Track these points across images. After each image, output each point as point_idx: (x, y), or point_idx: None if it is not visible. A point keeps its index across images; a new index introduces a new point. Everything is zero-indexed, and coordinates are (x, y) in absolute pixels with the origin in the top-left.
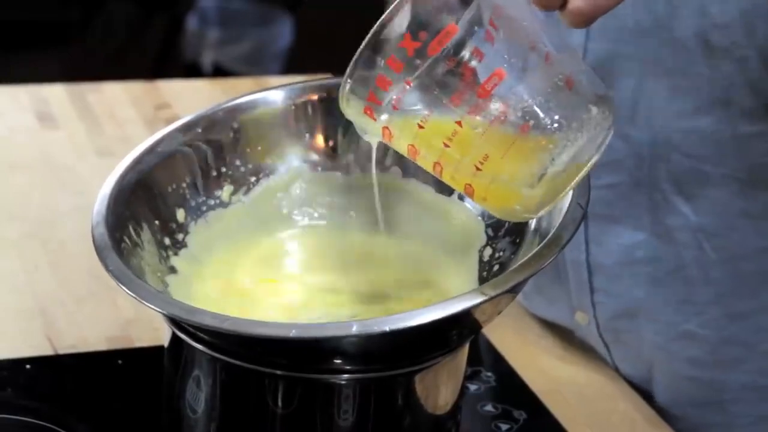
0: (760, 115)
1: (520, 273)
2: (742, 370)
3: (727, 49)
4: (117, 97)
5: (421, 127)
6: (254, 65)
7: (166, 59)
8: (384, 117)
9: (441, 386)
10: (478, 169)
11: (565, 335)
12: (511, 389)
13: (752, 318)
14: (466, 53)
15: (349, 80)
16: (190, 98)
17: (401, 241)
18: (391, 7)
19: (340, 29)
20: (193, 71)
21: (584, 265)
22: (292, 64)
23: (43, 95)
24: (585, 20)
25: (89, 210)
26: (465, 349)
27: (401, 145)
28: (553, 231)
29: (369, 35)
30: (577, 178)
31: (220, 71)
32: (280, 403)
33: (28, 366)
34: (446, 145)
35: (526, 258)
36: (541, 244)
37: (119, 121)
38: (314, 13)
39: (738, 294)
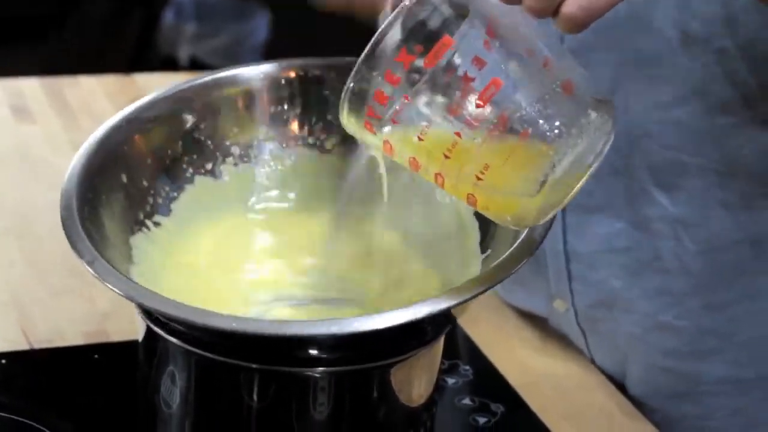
0: (738, 107)
1: (495, 276)
2: (718, 362)
3: (706, 40)
4: (93, 91)
5: (420, 139)
6: (231, 59)
7: (142, 53)
8: (384, 131)
9: (416, 379)
10: (479, 179)
11: (542, 327)
12: (489, 382)
13: (729, 309)
14: (462, 64)
15: (347, 95)
16: None
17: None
18: (386, 21)
19: (316, 23)
20: (169, 65)
21: (561, 253)
22: (269, 58)
23: (18, 89)
24: (578, 26)
25: None
26: (440, 342)
27: (403, 158)
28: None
29: (365, 50)
30: (578, 185)
31: (196, 65)
32: (255, 397)
33: (3, 361)
34: (447, 157)
35: (501, 258)
36: (516, 243)
37: (96, 115)
38: (291, 6)
39: (715, 285)
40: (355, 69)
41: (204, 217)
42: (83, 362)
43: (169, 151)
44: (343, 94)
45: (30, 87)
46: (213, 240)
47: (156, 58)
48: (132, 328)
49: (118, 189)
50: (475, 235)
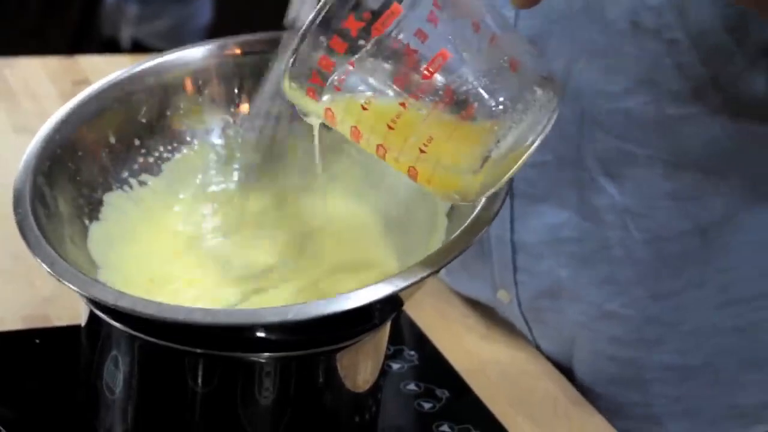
0: (687, 98)
1: (442, 257)
2: (664, 350)
3: (657, 30)
4: (34, 73)
5: (364, 108)
6: (173, 42)
7: (83, 35)
8: (327, 98)
9: (362, 364)
10: (422, 151)
11: (487, 313)
12: (434, 368)
13: (675, 298)
14: (410, 34)
15: (291, 61)
16: (109, 74)
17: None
18: None
19: (259, 5)
20: (111, 47)
21: (508, 243)
22: None
23: None
24: (531, 0)
25: (4, 189)
26: (386, 328)
27: (344, 128)
28: (476, 211)
29: (311, 16)
30: (520, 162)
31: (139, 48)
32: (199, 382)
33: None
34: (390, 128)
35: (449, 239)
36: (464, 226)
37: (37, 97)
38: None
39: (661, 274)
40: (300, 35)
41: (191, 182)
42: (23, 347)
43: (168, 111)
44: (286, 59)
45: None
46: (189, 208)
47: (97, 41)
48: (73, 313)
49: (104, 146)
50: (440, 234)
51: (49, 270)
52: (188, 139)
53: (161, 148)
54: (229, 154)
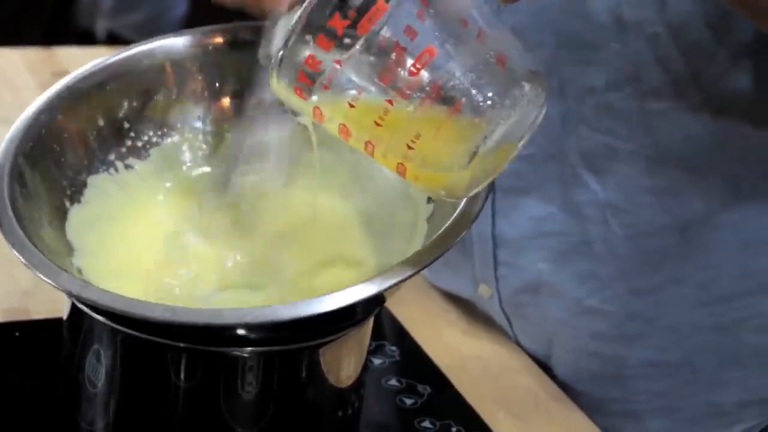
0: (669, 93)
1: (425, 257)
2: (644, 346)
3: (639, 24)
4: (13, 64)
5: (352, 106)
6: (149, 34)
7: (58, 27)
8: (315, 97)
9: (345, 360)
10: (410, 148)
11: (469, 309)
12: (416, 363)
13: (655, 293)
14: (397, 31)
15: (278, 60)
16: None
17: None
18: None
19: None
20: (86, 39)
21: (490, 238)
22: None
23: None
24: None
25: None
26: (370, 323)
27: (333, 125)
28: (460, 207)
29: (297, 14)
30: (508, 158)
31: (114, 40)
32: (182, 376)
33: None
34: (378, 124)
35: (432, 238)
36: (445, 226)
37: (16, 88)
38: None
39: (642, 270)
40: (286, 34)
41: (178, 169)
42: (3, 340)
43: (159, 96)
44: (273, 59)
45: None
46: (173, 196)
47: (72, 33)
48: (54, 306)
49: (91, 129)
50: (419, 239)
51: (18, 255)
52: (178, 125)
53: (150, 133)
54: (217, 143)
